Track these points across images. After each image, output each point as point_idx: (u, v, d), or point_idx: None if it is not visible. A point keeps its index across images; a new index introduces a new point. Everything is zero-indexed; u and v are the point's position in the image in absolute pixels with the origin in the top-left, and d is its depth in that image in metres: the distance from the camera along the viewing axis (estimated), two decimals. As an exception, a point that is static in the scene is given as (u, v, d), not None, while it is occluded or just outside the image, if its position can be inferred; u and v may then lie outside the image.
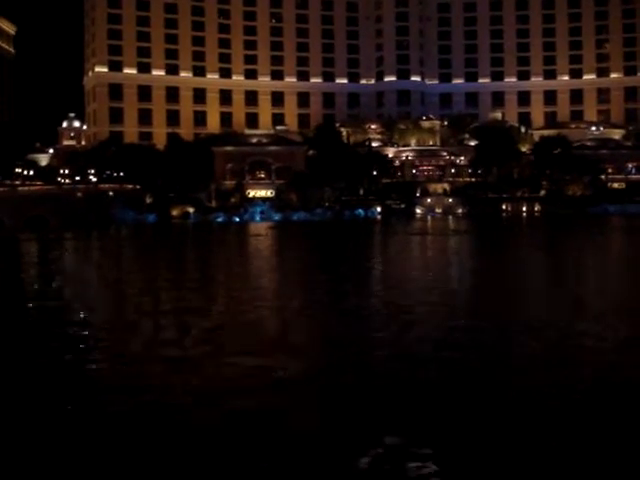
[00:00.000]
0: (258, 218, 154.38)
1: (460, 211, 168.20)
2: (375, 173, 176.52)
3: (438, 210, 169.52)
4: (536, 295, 44.30)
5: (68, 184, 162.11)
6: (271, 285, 49.93)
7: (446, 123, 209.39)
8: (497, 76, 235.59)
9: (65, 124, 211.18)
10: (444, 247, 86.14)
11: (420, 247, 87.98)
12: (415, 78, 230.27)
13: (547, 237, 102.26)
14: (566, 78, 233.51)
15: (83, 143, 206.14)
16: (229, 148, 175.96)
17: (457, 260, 67.75)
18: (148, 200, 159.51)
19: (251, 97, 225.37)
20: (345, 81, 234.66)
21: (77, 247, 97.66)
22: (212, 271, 60.68)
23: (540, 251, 77.55)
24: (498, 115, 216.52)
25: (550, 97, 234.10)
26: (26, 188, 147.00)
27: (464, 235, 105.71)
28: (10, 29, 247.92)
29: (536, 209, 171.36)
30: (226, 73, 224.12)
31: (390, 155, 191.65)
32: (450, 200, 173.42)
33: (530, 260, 66.98)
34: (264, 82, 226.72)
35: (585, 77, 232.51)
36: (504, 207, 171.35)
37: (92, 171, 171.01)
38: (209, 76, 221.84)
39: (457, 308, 38.50)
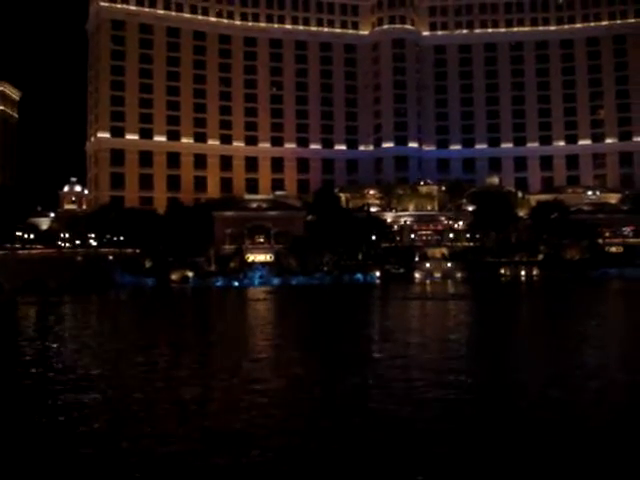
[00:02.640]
0: (257, 282, 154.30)
1: (459, 275, 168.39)
2: (374, 238, 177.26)
3: (437, 274, 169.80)
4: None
5: (68, 248, 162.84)
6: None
7: (444, 188, 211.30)
8: (494, 142, 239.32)
9: (66, 188, 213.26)
10: (446, 315, 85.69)
11: (420, 314, 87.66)
12: (413, 144, 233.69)
13: (563, 305, 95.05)
14: (562, 144, 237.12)
15: (84, 207, 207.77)
16: (229, 213, 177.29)
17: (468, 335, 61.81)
18: (148, 264, 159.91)
19: (251, 163, 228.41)
20: (344, 147, 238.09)
21: (74, 312, 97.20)
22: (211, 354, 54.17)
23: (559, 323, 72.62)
24: (495, 180, 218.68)
25: (546, 162, 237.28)
26: (26, 252, 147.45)
27: (464, 300, 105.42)
28: (15, 95, 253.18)
29: (535, 273, 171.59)
30: (227, 139, 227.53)
31: (389, 220, 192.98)
32: (449, 264, 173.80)
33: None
34: (264, 148, 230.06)
35: (580, 142, 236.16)
36: (503, 271, 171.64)
37: (92, 235, 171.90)
38: (210, 142, 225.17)
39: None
